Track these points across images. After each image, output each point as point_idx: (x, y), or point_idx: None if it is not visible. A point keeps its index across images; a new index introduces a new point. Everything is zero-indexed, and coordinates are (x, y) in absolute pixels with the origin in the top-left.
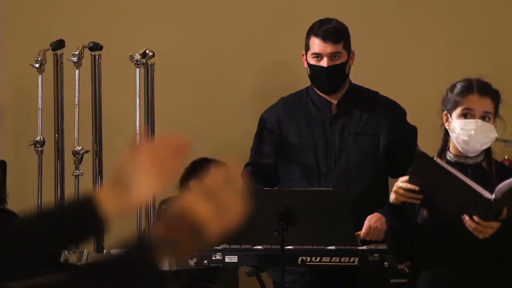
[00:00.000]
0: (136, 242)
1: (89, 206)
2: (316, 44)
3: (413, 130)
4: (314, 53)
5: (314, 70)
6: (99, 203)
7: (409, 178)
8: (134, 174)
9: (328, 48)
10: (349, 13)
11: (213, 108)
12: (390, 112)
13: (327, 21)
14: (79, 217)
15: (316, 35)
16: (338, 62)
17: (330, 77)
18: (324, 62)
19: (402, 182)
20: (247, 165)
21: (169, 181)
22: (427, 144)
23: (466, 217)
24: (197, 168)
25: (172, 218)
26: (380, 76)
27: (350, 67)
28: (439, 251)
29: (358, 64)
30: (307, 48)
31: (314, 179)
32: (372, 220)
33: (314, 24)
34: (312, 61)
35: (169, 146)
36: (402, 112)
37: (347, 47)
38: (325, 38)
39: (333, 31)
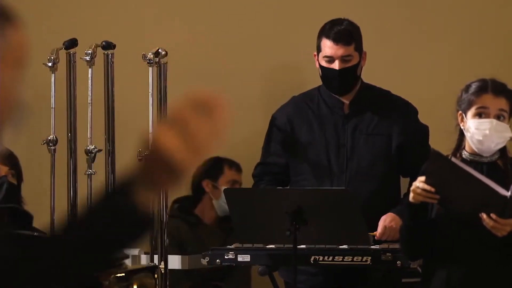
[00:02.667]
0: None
1: (127, 205)
2: (328, 47)
3: (425, 130)
4: (325, 56)
5: (326, 72)
6: (136, 194)
7: (426, 178)
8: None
9: (340, 51)
10: (360, 13)
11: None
12: (402, 111)
13: (338, 22)
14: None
15: (328, 37)
16: (349, 65)
17: (342, 79)
18: (335, 65)
19: (420, 182)
20: (258, 164)
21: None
22: (439, 144)
23: (484, 215)
24: (210, 167)
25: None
26: (391, 76)
27: (361, 67)
28: (454, 250)
29: (369, 63)
30: (318, 49)
31: (325, 179)
32: (387, 220)
33: (325, 25)
34: (324, 63)
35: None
36: (414, 112)
37: (359, 48)
38: (336, 41)
39: (344, 33)
